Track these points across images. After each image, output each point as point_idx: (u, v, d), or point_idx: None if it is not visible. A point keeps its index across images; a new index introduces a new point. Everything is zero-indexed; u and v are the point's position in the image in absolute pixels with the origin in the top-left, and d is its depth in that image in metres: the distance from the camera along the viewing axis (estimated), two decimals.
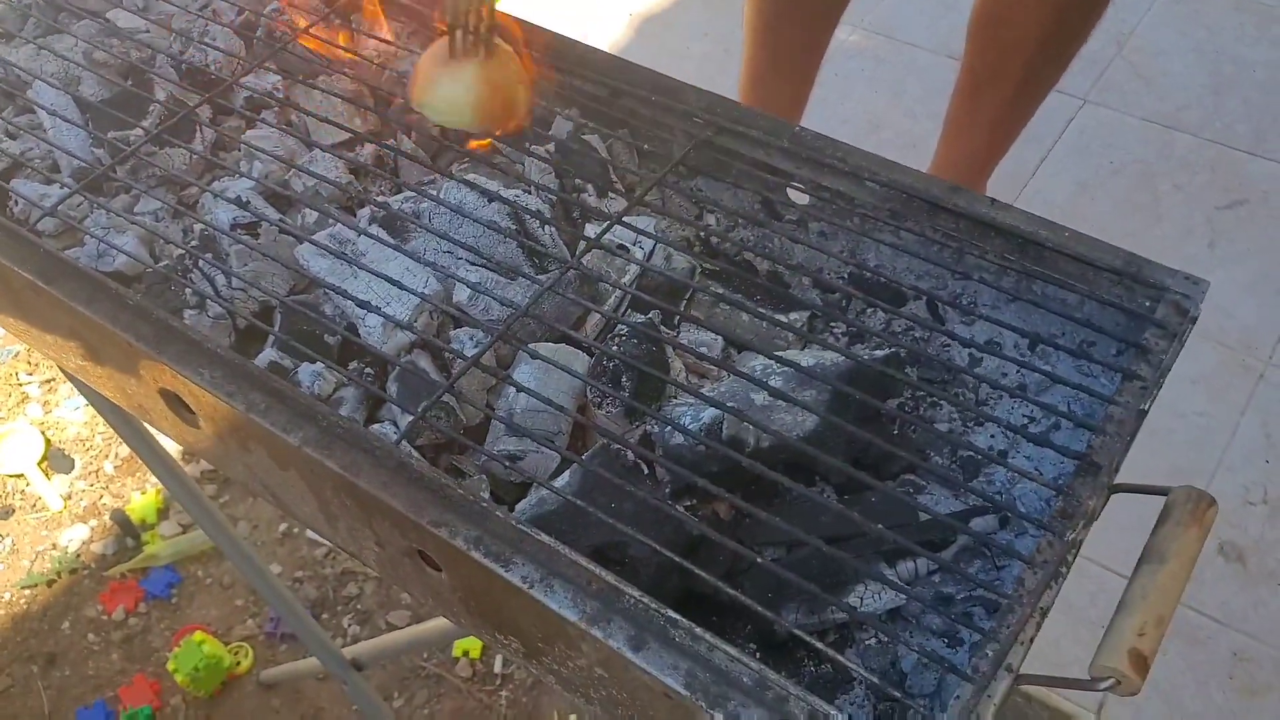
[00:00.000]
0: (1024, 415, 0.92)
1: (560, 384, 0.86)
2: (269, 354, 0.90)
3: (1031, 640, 0.73)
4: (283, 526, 2.18)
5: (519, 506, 0.82)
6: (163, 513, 2.21)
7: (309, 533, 2.16)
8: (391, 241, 0.92)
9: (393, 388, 0.87)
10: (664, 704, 0.71)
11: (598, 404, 0.85)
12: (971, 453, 0.88)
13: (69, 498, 2.25)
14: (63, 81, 1.14)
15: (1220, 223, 2.29)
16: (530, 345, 0.85)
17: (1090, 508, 0.74)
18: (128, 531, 2.17)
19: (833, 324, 0.99)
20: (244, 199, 0.96)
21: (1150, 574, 0.74)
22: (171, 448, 2.26)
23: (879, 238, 0.97)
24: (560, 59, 1.06)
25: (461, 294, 0.90)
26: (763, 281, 1.02)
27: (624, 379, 0.85)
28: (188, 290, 0.93)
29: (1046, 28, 1.69)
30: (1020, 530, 0.85)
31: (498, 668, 1.98)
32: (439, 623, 1.31)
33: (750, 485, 0.83)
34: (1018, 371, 0.93)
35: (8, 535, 2.20)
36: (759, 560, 0.73)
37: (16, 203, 1.07)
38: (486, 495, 0.84)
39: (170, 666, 1.94)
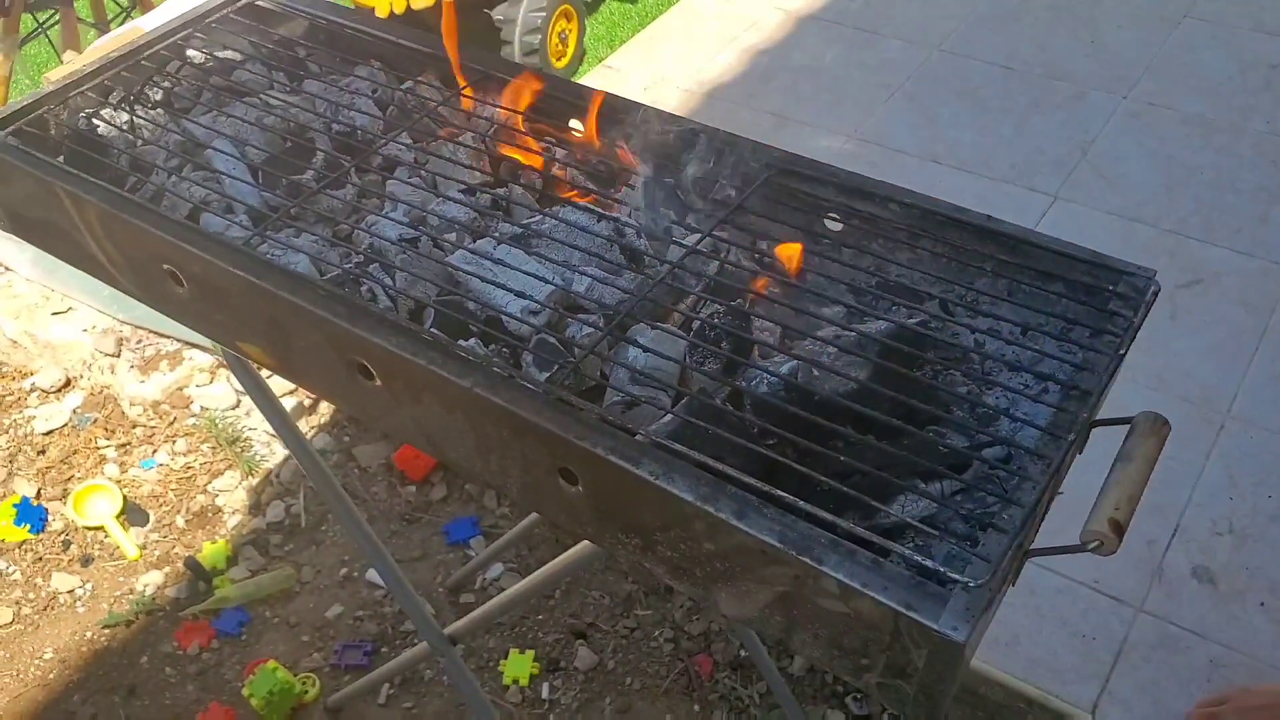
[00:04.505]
0: (1020, 383, 1.17)
1: (672, 348, 1.11)
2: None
3: (1040, 516, 0.97)
4: (343, 571, 2.38)
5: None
6: (232, 559, 2.40)
7: (369, 575, 2.35)
8: (522, 249, 1.19)
9: (528, 357, 1.12)
10: (760, 561, 0.94)
11: (700, 362, 1.11)
12: (983, 407, 1.13)
13: (144, 547, 2.45)
14: (237, 140, 1.41)
15: (1179, 299, 2.59)
16: (648, 320, 1.11)
17: (1081, 419, 0.99)
18: (200, 576, 2.37)
19: (865, 318, 1.25)
20: (407, 220, 1.23)
21: (1122, 469, 0.98)
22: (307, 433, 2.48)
23: (897, 259, 1.24)
24: (640, 120, 1.35)
25: (581, 286, 1.16)
26: (807, 288, 1.29)
27: (723, 342, 1.10)
28: (363, 288, 1.19)
29: None
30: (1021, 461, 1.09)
31: (545, 693, 2.16)
32: (522, 585, 1.52)
33: (817, 427, 1.08)
34: (1013, 350, 1.19)
35: (89, 581, 2.39)
36: (834, 484, 0.96)
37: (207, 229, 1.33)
38: None
39: (245, 692, 2.12)
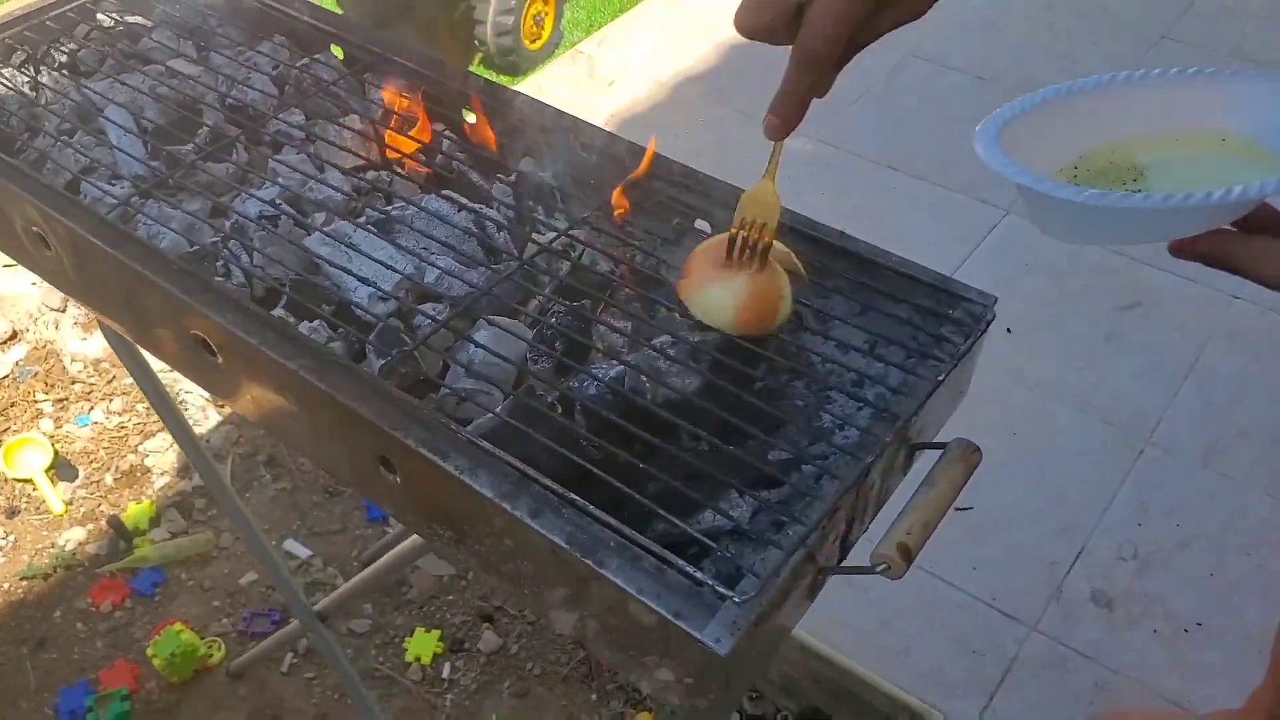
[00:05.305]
0: (854, 405, 1.17)
1: (510, 347, 1.11)
2: (278, 313, 1.16)
3: (833, 538, 0.97)
4: None
5: (467, 428, 1.07)
6: (155, 520, 2.43)
7: (285, 545, 2.38)
8: (380, 236, 1.20)
9: (373, 342, 1.13)
10: (553, 561, 0.95)
11: (534, 362, 1.11)
12: (811, 428, 1.13)
13: (70, 503, 2.47)
14: (130, 108, 1.42)
15: (1119, 320, 2.59)
16: (490, 316, 1.12)
17: (884, 443, 0.99)
18: (121, 535, 2.39)
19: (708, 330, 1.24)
20: (271, 199, 1.24)
21: (925, 493, 0.98)
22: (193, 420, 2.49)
23: None
24: (524, 117, 1.35)
25: (431, 277, 1.17)
26: (671, 288, 1.29)
27: (557, 344, 1.11)
28: (219, 263, 1.20)
29: None
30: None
31: (445, 673, 2.18)
32: (382, 561, 1.54)
33: (646, 431, 1.08)
34: (852, 375, 1.18)
35: (11, 533, 2.42)
36: (635, 495, 0.96)
37: (85, 197, 1.34)
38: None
39: (149, 652, 2.14)
